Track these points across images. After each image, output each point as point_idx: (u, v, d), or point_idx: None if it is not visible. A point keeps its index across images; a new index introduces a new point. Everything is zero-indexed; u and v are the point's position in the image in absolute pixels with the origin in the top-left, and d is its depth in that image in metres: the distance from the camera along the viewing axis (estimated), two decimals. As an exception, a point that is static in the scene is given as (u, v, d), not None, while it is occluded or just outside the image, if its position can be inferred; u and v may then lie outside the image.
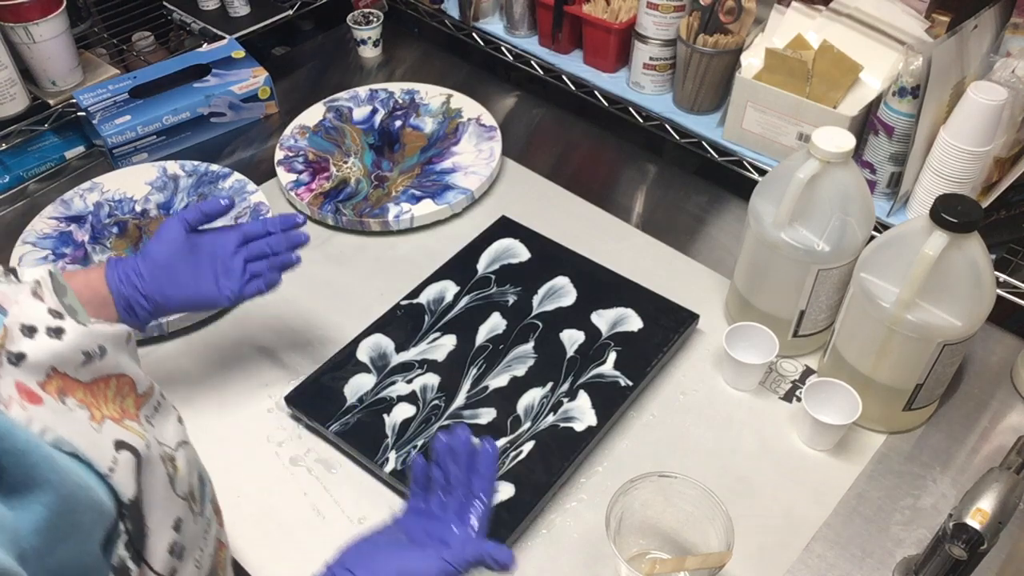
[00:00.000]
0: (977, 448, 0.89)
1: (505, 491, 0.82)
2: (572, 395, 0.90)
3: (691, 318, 0.97)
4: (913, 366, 0.83)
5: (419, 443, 0.86)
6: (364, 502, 0.84)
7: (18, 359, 0.43)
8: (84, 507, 0.43)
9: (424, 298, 1.00)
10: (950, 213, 0.74)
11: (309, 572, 0.79)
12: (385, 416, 0.88)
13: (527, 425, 0.87)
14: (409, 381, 0.92)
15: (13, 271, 0.47)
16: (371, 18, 1.41)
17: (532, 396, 0.90)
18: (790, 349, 0.95)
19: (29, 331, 0.44)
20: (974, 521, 0.63)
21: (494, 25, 1.37)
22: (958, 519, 0.64)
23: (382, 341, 0.96)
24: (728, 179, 1.16)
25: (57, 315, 0.46)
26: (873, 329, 0.82)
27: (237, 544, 0.79)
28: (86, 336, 0.47)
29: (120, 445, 0.46)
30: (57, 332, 0.46)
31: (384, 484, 0.85)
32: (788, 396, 0.93)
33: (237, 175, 1.16)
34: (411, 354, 0.94)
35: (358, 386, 0.91)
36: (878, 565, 0.79)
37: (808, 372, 0.95)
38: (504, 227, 1.10)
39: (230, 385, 0.94)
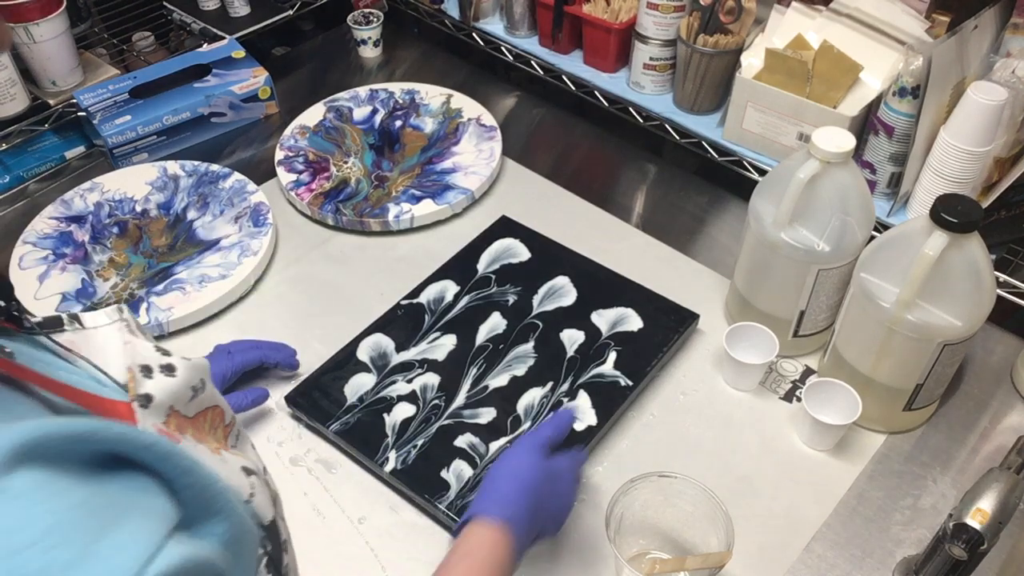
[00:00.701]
0: (977, 448, 0.89)
1: None
2: (572, 395, 0.90)
3: (691, 318, 0.97)
4: (913, 366, 0.83)
5: (419, 443, 0.86)
6: (364, 502, 0.84)
7: (147, 401, 0.42)
8: (247, 537, 0.43)
9: (424, 298, 1.00)
10: (950, 213, 0.74)
11: (309, 572, 0.79)
12: (385, 416, 0.88)
13: (527, 425, 0.87)
14: (409, 381, 0.92)
15: (76, 318, 0.46)
16: (371, 18, 1.41)
17: (532, 396, 0.90)
18: (790, 349, 0.95)
19: (146, 371, 0.43)
20: (974, 521, 0.63)
21: (494, 25, 1.37)
22: (958, 519, 0.64)
23: (382, 341, 0.96)
24: (728, 179, 1.16)
25: (164, 352, 0.46)
26: (873, 329, 0.82)
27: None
28: (192, 371, 0.46)
29: (247, 471, 0.46)
30: (170, 369, 0.45)
31: (384, 484, 0.85)
32: (788, 396, 0.93)
33: (237, 175, 1.16)
34: (411, 354, 0.94)
35: (358, 386, 0.91)
36: (878, 565, 0.79)
37: (808, 372, 0.95)
38: (504, 227, 1.10)
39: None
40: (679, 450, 0.88)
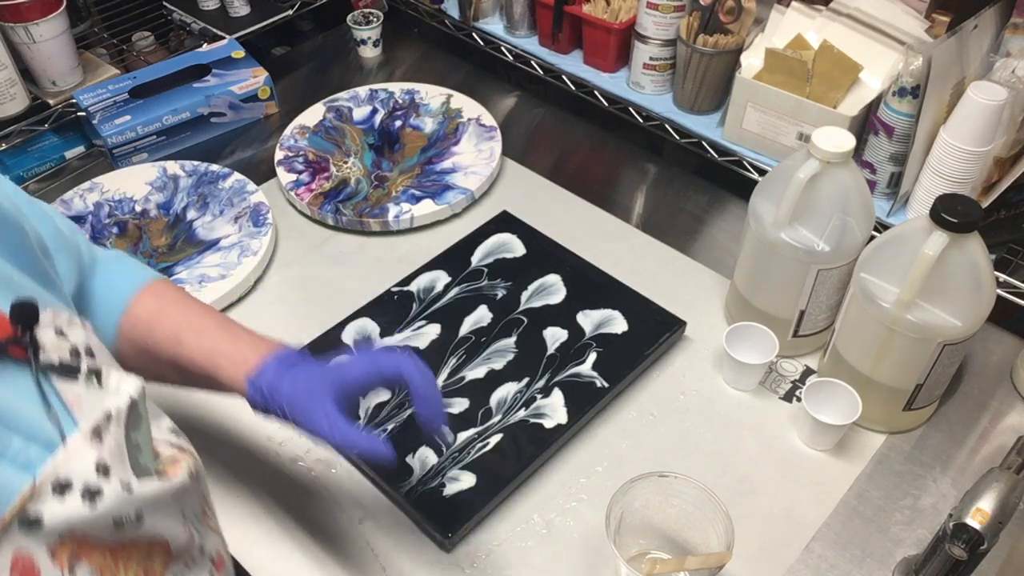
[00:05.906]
0: (977, 448, 0.89)
1: (466, 480, 0.82)
2: (546, 392, 0.90)
3: (677, 324, 0.96)
4: (913, 366, 0.83)
5: (389, 427, 0.86)
6: (364, 502, 0.84)
7: (31, 526, 0.38)
8: None
9: (415, 286, 1.01)
10: (950, 213, 0.74)
11: (309, 572, 0.79)
12: (360, 399, 0.89)
13: (497, 418, 0.88)
14: None
15: (97, 374, 0.42)
16: (371, 18, 1.41)
17: (506, 390, 0.90)
18: (790, 349, 0.95)
19: (61, 489, 0.39)
20: (974, 521, 0.63)
21: (494, 25, 1.37)
22: (958, 519, 0.64)
23: (368, 325, 0.97)
24: (728, 179, 1.16)
25: (104, 471, 0.40)
26: (873, 329, 0.82)
27: (238, 544, 0.79)
28: (124, 503, 0.41)
29: None
30: (92, 496, 0.39)
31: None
32: (788, 396, 0.93)
33: (237, 175, 1.16)
34: (394, 340, 0.95)
35: None
36: (878, 565, 0.79)
37: (808, 372, 0.95)
38: (504, 222, 1.10)
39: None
40: (679, 450, 0.88)
